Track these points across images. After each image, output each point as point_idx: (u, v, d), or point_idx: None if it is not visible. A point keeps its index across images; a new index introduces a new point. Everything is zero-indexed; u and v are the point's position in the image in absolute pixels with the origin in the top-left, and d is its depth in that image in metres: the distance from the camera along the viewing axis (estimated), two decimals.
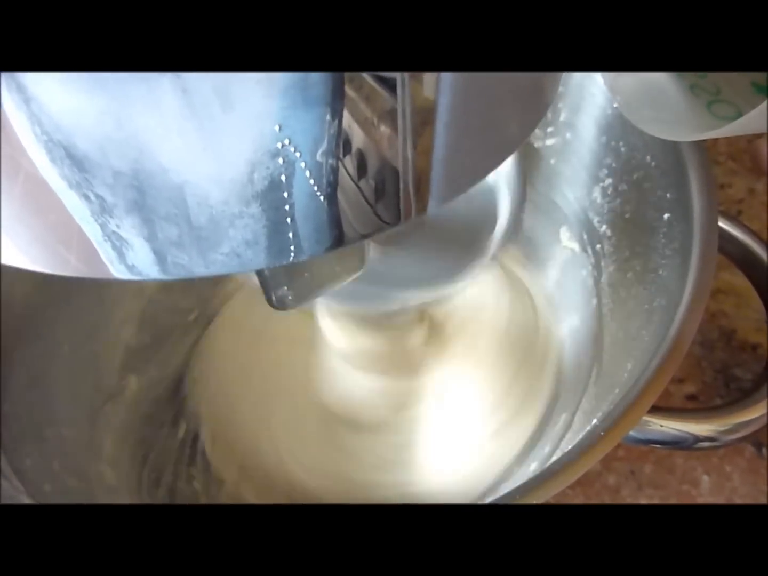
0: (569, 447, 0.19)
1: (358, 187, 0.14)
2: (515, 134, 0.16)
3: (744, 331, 0.35)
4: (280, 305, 0.19)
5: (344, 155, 0.13)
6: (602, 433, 0.19)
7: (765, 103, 0.17)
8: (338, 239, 0.14)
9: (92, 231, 0.13)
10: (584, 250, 0.28)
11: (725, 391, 0.34)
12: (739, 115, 0.20)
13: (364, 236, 0.15)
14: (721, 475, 0.32)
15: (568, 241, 0.29)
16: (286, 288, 0.19)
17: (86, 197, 0.12)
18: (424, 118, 0.13)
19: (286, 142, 0.12)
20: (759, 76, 0.21)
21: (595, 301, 0.28)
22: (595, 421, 0.20)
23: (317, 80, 0.11)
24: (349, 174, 0.13)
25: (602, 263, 0.28)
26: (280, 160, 0.12)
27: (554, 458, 0.19)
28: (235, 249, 0.13)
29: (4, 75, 0.10)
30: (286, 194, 0.13)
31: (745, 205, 0.40)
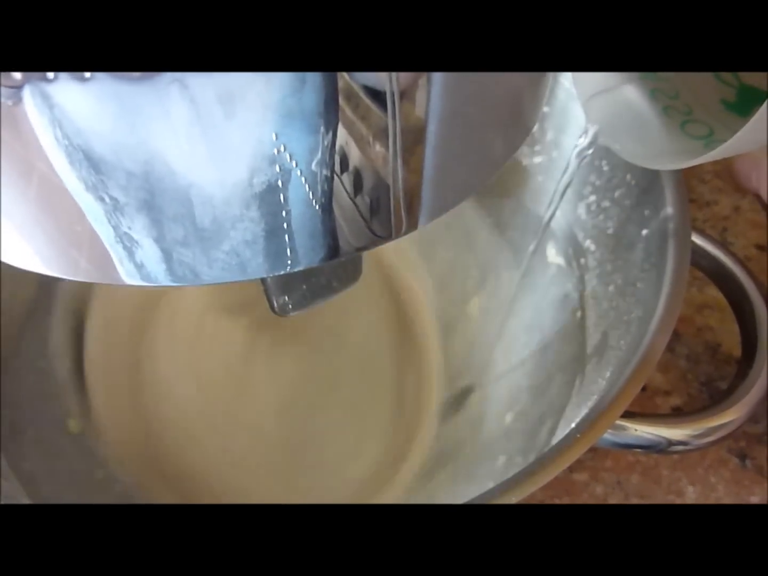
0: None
1: (353, 202, 0.14)
2: (499, 155, 0.17)
3: (729, 345, 0.35)
4: (281, 312, 0.20)
5: (341, 170, 0.13)
6: (578, 436, 0.20)
7: (748, 124, 0.17)
8: (333, 250, 0.15)
9: (105, 232, 0.13)
10: (569, 264, 0.29)
11: (710, 403, 0.35)
12: (711, 133, 0.21)
13: (359, 249, 0.15)
14: (706, 486, 0.32)
15: (554, 257, 0.30)
16: (286, 297, 0.20)
17: (101, 199, 0.13)
18: (416, 137, 0.14)
19: (282, 149, 0.12)
20: (728, 93, 0.22)
21: (579, 313, 0.28)
22: (573, 425, 0.21)
23: (311, 90, 0.12)
24: (344, 188, 0.14)
25: (586, 277, 0.28)
26: (277, 167, 0.13)
27: None
28: (235, 248, 0.14)
29: (31, 83, 0.11)
30: (282, 200, 0.13)
31: (730, 222, 0.40)
